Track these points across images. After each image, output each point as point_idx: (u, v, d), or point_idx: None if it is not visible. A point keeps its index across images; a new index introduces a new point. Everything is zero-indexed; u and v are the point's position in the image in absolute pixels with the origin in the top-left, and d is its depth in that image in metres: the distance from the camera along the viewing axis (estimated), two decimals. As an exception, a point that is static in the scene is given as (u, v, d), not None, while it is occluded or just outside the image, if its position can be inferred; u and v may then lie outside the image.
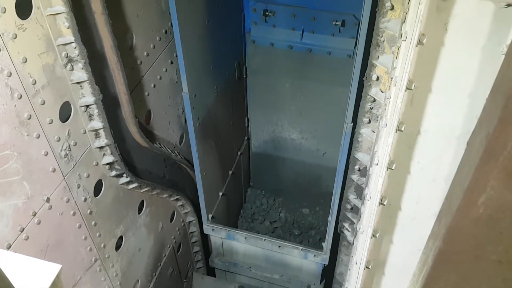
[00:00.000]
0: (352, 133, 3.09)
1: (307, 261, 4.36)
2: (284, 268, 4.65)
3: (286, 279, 4.70)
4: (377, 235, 1.98)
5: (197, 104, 3.59)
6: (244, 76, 4.97)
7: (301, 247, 4.23)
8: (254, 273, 4.79)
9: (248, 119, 5.49)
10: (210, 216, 4.43)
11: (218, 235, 4.55)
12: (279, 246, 4.30)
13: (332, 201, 3.59)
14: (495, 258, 0.57)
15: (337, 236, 3.79)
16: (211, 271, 5.27)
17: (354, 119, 2.96)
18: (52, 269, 1.26)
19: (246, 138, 5.58)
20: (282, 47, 4.60)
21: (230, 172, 5.03)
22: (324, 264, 4.32)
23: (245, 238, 4.41)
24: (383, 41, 2.55)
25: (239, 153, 5.34)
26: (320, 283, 4.62)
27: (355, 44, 4.09)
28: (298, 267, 4.56)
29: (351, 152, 3.07)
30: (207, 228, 4.49)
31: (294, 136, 5.49)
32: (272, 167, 5.91)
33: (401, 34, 2.01)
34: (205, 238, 4.89)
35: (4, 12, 1.99)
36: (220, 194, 4.72)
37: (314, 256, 4.22)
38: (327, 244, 4.04)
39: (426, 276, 0.64)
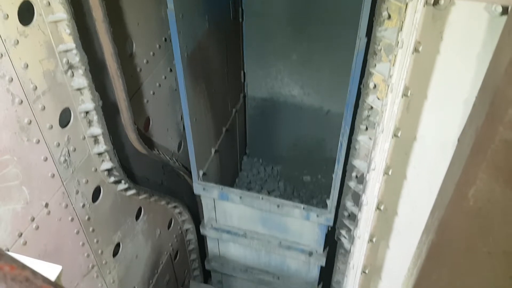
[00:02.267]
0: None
1: (309, 223, 3.93)
2: (284, 233, 4.22)
3: (286, 246, 4.28)
4: (374, 240, 2.00)
5: (184, 29, 3.15)
6: (240, 20, 4.49)
7: (302, 206, 3.81)
8: (250, 240, 4.35)
9: (244, 73, 4.92)
10: (201, 172, 3.99)
11: (210, 194, 4.07)
12: (278, 206, 3.88)
13: (339, 143, 3.19)
14: (485, 250, 0.60)
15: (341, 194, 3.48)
16: (206, 274, 5.23)
17: (368, 34, 2.69)
18: (52, 270, 1.27)
19: (242, 95, 5.09)
20: (283, -20, 4.05)
21: (224, 129, 4.58)
22: (329, 226, 3.89)
23: (240, 197, 3.96)
24: (380, 49, 2.59)
25: (234, 110, 4.86)
26: (324, 249, 4.18)
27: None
28: (299, 231, 4.13)
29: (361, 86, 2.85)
30: (198, 187, 4.04)
31: (295, 92, 4.94)
32: (270, 131, 5.41)
33: (398, 42, 2.05)
34: (202, 246, 4.88)
35: (7, 19, 2.02)
36: (213, 151, 4.29)
37: (317, 216, 3.80)
38: (331, 201, 3.62)
39: (420, 269, 0.66)
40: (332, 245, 3.92)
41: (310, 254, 4.20)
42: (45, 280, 0.51)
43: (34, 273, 0.51)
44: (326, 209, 3.73)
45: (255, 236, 4.34)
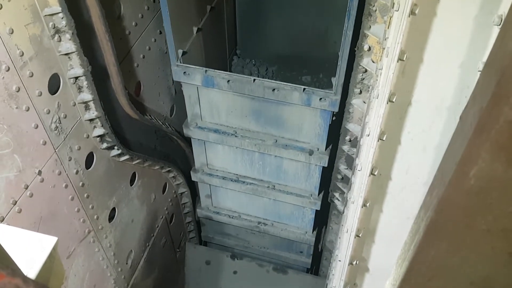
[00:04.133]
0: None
1: (311, 111, 3.32)
2: (280, 128, 3.58)
3: (282, 145, 3.66)
4: (368, 205, 2.02)
5: None
6: None
7: (303, 87, 3.16)
8: (241, 140, 3.72)
9: None
10: (180, 52, 3.34)
11: (192, 81, 3.41)
12: (274, 90, 3.24)
13: (347, 12, 2.70)
14: (484, 228, 0.60)
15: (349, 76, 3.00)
16: (201, 241, 5.31)
17: None
18: (48, 242, 1.28)
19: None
20: None
21: (209, 8, 3.82)
22: (334, 113, 3.31)
23: (228, 81, 3.31)
24: (375, 10, 2.53)
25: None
26: (326, 148, 3.57)
27: None
28: (298, 124, 3.51)
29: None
30: (177, 72, 3.38)
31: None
32: (263, 23, 4.64)
33: (393, 3, 1.99)
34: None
35: (-12, -19, 1.94)
36: (195, 29, 3.59)
37: (320, 99, 3.15)
38: (337, 79, 2.99)
39: (418, 244, 0.67)
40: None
41: (311, 152, 3.61)
42: (37, 285, 0.50)
43: (25, 280, 0.49)
44: (331, 90, 3.10)
45: (247, 135, 3.72)
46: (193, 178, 4.31)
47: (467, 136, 0.54)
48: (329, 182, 3.89)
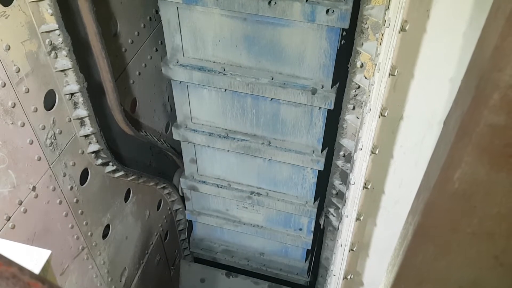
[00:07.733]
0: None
1: (315, 33, 2.80)
2: (277, 60, 3.03)
3: (280, 83, 3.10)
4: (361, 218, 2.03)
5: None
6: None
7: None
8: (230, 78, 3.17)
9: None
10: None
11: None
12: (270, 2, 2.71)
13: None
14: (469, 231, 0.61)
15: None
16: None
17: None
18: (42, 255, 1.27)
19: None
20: None
21: None
22: (343, 34, 2.82)
23: None
24: (367, 28, 2.58)
25: None
26: (332, 85, 3.03)
27: None
28: (299, 52, 2.95)
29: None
30: None
31: None
32: None
33: (385, 21, 2.04)
34: (191, 226, 4.90)
35: (-14, -1, 1.97)
36: None
37: (328, 11, 2.62)
38: None
39: (406, 249, 0.68)
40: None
41: (314, 91, 3.02)
42: (33, 275, 0.51)
43: (21, 269, 0.51)
44: None
45: (237, 72, 3.14)
46: (175, 137, 3.71)
47: (450, 140, 0.55)
48: (335, 136, 3.26)
